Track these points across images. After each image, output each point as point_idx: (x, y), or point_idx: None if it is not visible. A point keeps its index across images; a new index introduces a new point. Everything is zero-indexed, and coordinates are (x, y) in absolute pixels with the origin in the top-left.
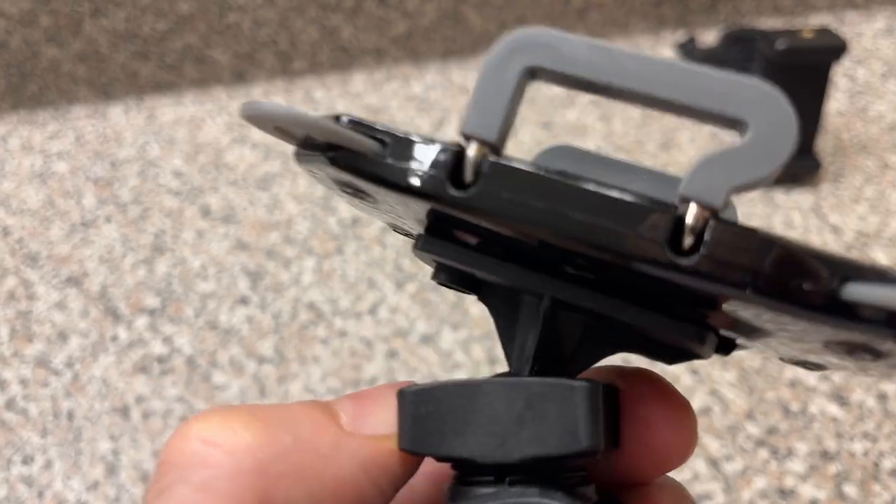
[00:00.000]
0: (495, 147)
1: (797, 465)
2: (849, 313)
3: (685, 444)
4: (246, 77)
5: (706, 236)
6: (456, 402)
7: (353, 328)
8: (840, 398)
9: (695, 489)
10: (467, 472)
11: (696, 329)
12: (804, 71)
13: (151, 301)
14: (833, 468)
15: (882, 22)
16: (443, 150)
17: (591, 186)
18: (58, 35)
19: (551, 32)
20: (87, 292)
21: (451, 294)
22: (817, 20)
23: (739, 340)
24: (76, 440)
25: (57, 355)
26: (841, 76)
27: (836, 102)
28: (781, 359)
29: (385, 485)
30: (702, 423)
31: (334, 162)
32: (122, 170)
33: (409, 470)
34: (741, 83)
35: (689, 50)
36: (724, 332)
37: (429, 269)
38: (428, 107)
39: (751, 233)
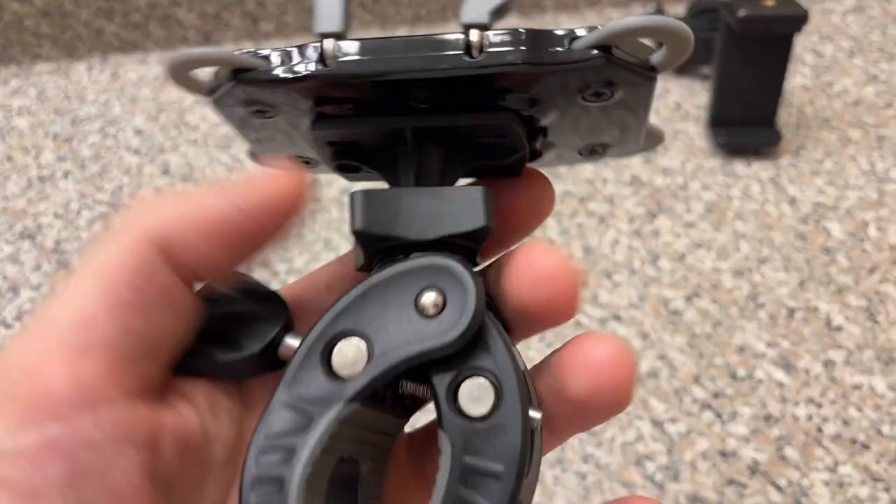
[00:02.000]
0: (341, 35)
1: (740, 428)
2: (578, 57)
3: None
4: (212, 37)
5: (484, 43)
6: (392, 201)
7: None
8: (787, 364)
9: (638, 449)
10: (388, 252)
11: (509, 113)
12: (766, 41)
13: None
14: (776, 432)
15: (852, 0)
16: (310, 47)
17: (410, 36)
18: None
19: None
20: (41, 246)
21: None
22: None
23: (542, 137)
24: None
25: (6, 307)
26: (808, 52)
27: (801, 77)
28: (579, 153)
29: (270, 220)
30: (648, 385)
31: (240, 81)
32: (82, 127)
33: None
34: None
35: None
36: (523, 113)
37: None
38: None
39: (510, 30)
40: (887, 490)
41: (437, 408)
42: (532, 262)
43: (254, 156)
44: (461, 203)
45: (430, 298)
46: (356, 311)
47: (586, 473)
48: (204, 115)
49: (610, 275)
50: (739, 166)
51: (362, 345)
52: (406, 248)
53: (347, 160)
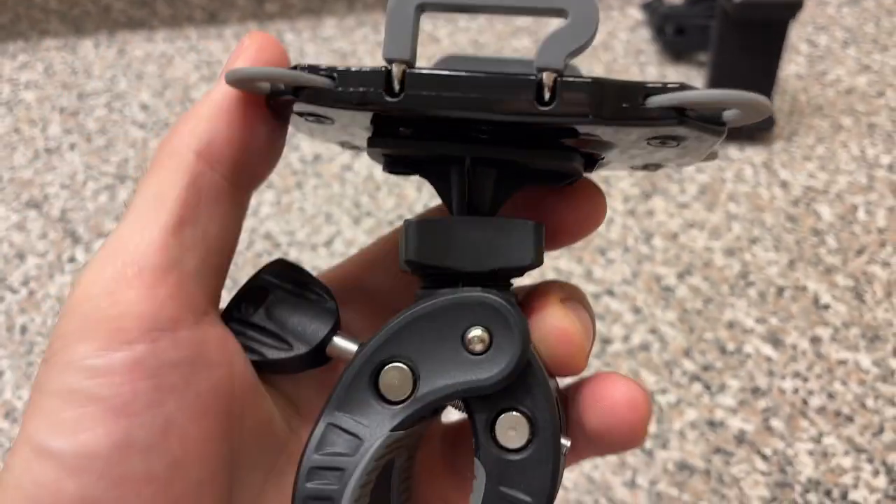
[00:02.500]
0: (410, 63)
1: (728, 400)
2: (652, 116)
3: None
4: (218, 17)
5: (556, 90)
6: (445, 232)
7: (307, 258)
8: (775, 340)
9: None
10: (437, 281)
11: (569, 153)
12: (761, 27)
13: (111, 226)
14: (762, 403)
15: None
16: (375, 73)
17: (481, 74)
18: None
19: None
20: (48, 215)
21: None
22: None
23: (601, 157)
24: (28, 353)
25: (13, 273)
26: (803, 41)
27: (795, 66)
28: (633, 167)
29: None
30: (640, 358)
31: (305, 99)
32: (89, 101)
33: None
34: None
35: (654, 9)
36: (586, 151)
37: (385, 207)
38: None
39: (585, 81)
40: (870, 461)
41: (475, 437)
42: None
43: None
44: (512, 237)
45: (477, 336)
46: (405, 338)
47: None
48: None
49: (604, 252)
50: (733, 150)
51: (408, 371)
52: (455, 277)
53: (400, 168)
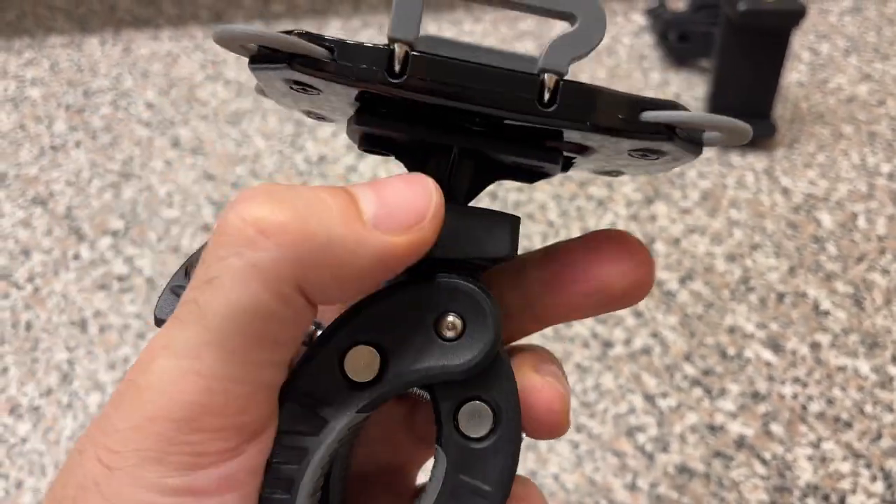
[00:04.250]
0: (413, 45)
1: (728, 404)
2: (646, 130)
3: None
4: (224, 16)
5: (558, 93)
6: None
7: None
8: (775, 345)
9: (629, 421)
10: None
11: (555, 154)
12: (764, 34)
13: (116, 223)
14: (762, 408)
15: (849, 1)
16: (378, 50)
17: (486, 66)
18: None
19: None
20: (53, 212)
21: None
22: None
23: (576, 159)
24: (33, 349)
25: (18, 269)
26: (804, 49)
27: (797, 74)
28: (595, 171)
29: (397, 272)
30: (641, 361)
31: (298, 67)
32: (94, 99)
33: (415, 258)
34: None
35: (658, 14)
36: (568, 153)
37: None
38: None
39: (586, 88)
40: (868, 466)
41: (438, 424)
42: (532, 400)
43: (262, 92)
44: (491, 229)
45: (450, 321)
46: (374, 320)
47: (579, 443)
48: (214, 91)
49: None
50: (735, 157)
51: (375, 354)
52: (430, 263)
53: (376, 148)
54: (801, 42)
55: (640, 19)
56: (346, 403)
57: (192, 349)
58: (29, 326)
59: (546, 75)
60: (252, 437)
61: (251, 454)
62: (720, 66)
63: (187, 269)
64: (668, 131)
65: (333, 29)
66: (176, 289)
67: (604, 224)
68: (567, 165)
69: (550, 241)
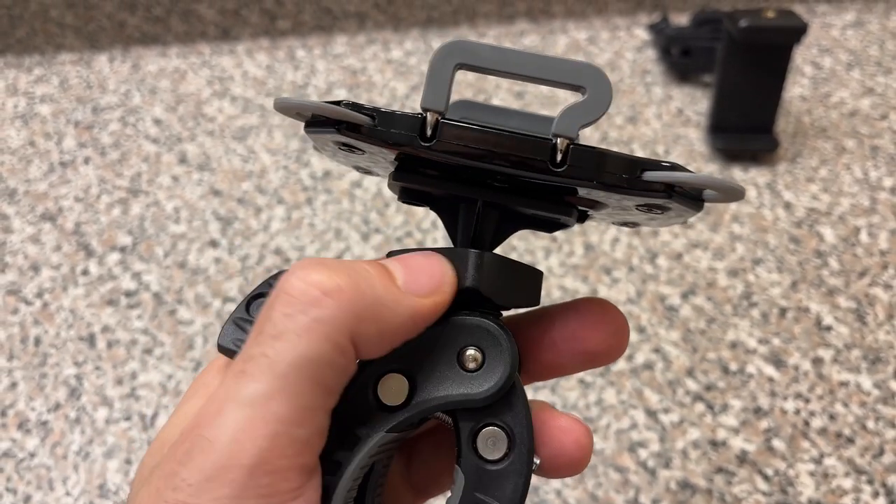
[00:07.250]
0: (443, 113)
1: (730, 420)
2: (646, 188)
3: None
4: (231, 33)
5: (568, 156)
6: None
7: None
8: (777, 360)
9: (632, 437)
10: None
11: (569, 208)
12: (766, 50)
13: (124, 239)
14: (764, 424)
15: (852, 15)
16: (412, 118)
17: (505, 131)
18: None
19: (469, 41)
20: (62, 228)
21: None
22: None
23: (590, 212)
24: (41, 364)
25: (27, 285)
26: (807, 63)
27: (800, 88)
28: (614, 223)
29: (421, 329)
30: (643, 377)
31: (345, 132)
32: (103, 115)
33: (437, 317)
34: (582, 64)
35: (660, 29)
36: (581, 207)
37: (394, 224)
38: (406, 71)
39: (592, 151)
40: (871, 482)
41: (458, 445)
42: (556, 437)
43: (317, 150)
44: (525, 281)
45: (471, 354)
46: (406, 352)
47: None
48: (221, 108)
49: (609, 271)
50: (737, 171)
51: (405, 381)
52: (476, 299)
53: (414, 200)
54: (803, 56)
55: (643, 34)
56: (377, 423)
57: (262, 397)
58: (38, 342)
59: (558, 140)
60: (310, 477)
61: (309, 495)
62: (722, 81)
63: (248, 304)
64: (667, 189)
65: (339, 45)
66: (238, 321)
67: (607, 239)
68: (583, 218)
69: (553, 257)
